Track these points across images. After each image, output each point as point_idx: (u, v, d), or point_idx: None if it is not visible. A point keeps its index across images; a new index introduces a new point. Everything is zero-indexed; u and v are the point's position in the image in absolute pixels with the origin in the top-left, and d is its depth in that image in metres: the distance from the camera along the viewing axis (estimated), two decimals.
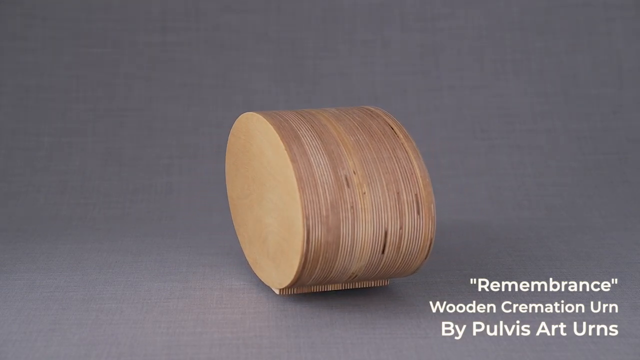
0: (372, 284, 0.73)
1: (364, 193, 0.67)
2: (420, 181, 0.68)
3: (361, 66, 1.12)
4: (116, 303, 0.72)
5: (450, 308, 0.70)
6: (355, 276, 0.69)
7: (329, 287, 0.72)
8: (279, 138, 0.68)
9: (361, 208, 0.66)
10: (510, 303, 0.71)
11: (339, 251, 0.66)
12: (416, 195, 0.68)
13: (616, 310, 0.70)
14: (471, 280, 0.77)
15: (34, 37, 1.10)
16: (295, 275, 0.67)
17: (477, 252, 0.84)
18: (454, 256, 0.83)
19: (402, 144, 0.69)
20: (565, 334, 0.66)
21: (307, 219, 0.65)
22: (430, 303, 0.71)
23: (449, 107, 1.11)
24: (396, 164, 0.68)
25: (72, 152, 1.06)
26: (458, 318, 0.68)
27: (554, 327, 0.67)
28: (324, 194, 0.66)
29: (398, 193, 0.67)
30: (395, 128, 0.70)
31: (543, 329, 0.67)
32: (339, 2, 1.14)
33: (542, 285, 0.75)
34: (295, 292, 0.71)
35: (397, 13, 1.14)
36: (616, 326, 0.67)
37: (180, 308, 0.71)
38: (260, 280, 0.76)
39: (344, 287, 0.72)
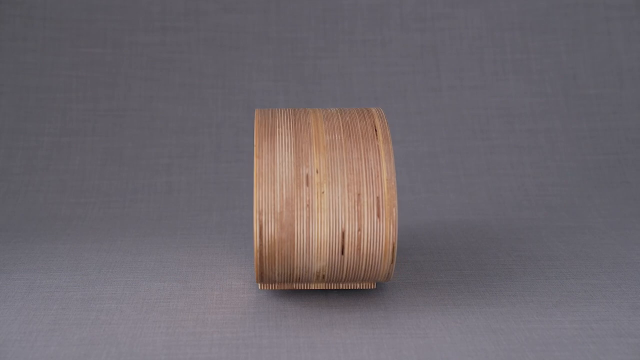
0: (358, 286, 0.73)
1: (323, 192, 0.67)
2: (385, 184, 0.67)
3: (361, 66, 1.12)
4: (116, 303, 0.72)
5: (450, 308, 0.70)
6: (323, 276, 0.69)
7: (311, 285, 0.72)
8: (255, 134, 0.69)
9: (317, 207, 0.66)
10: (510, 303, 0.71)
11: (295, 249, 0.67)
12: (378, 197, 0.67)
13: (616, 310, 0.70)
14: (471, 280, 0.77)
15: (34, 37, 1.10)
16: (255, 270, 0.68)
17: (477, 252, 0.84)
18: (454, 256, 0.83)
19: (378, 146, 0.69)
20: (565, 334, 0.66)
21: (260, 214, 0.66)
22: (430, 303, 0.71)
23: (449, 107, 1.11)
24: (364, 166, 0.68)
25: (72, 152, 1.06)
26: (458, 318, 0.68)
27: (554, 327, 0.67)
28: (280, 191, 0.67)
29: (359, 195, 0.67)
30: (378, 130, 0.70)
31: (543, 328, 0.67)
32: (339, 2, 1.14)
33: (542, 285, 0.75)
34: (275, 287, 0.72)
35: (397, 13, 1.14)
36: (616, 326, 0.67)
37: (180, 308, 0.71)
38: None
39: (328, 287, 0.72)
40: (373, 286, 0.72)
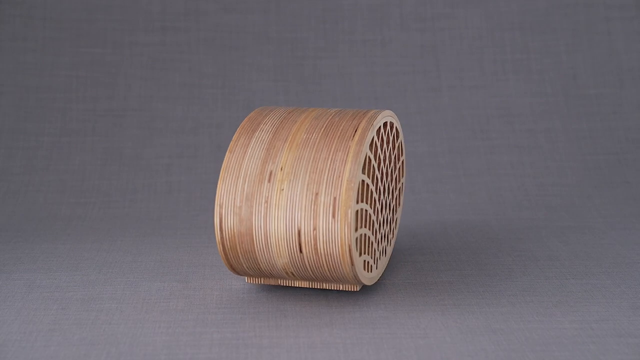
0: (340, 287, 0.72)
1: (282, 190, 0.67)
2: (344, 185, 0.66)
3: (361, 66, 1.12)
4: (116, 303, 0.72)
5: (450, 308, 0.70)
6: (292, 273, 0.69)
7: (289, 282, 0.72)
8: (238, 129, 0.71)
9: (275, 204, 0.67)
10: (510, 303, 0.71)
11: (255, 243, 0.67)
12: (335, 198, 0.66)
13: (616, 310, 0.70)
14: (471, 280, 0.77)
15: (34, 37, 1.10)
16: (223, 260, 0.70)
17: (477, 252, 0.85)
18: (454, 256, 0.83)
19: (349, 147, 0.68)
20: (565, 334, 0.66)
21: (221, 207, 0.67)
22: (430, 303, 0.71)
23: (449, 107, 1.11)
24: (328, 166, 0.67)
25: (72, 152, 1.06)
26: (458, 318, 0.68)
27: (554, 327, 0.67)
28: (242, 186, 0.67)
29: (317, 194, 0.66)
30: (359, 131, 0.69)
31: (543, 328, 0.67)
32: (339, 2, 1.14)
33: (542, 285, 0.75)
34: (259, 282, 0.73)
35: (397, 13, 1.14)
36: (616, 326, 0.67)
37: (180, 308, 0.71)
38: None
39: (310, 285, 0.72)
40: (356, 288, 0.72)
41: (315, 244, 0.66)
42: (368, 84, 1.11)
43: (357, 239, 0.68)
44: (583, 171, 1.06)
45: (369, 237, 0.71)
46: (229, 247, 0.68)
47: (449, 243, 0.87)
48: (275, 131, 0.70)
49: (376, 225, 0.73)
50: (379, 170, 0.73)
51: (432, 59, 1.13)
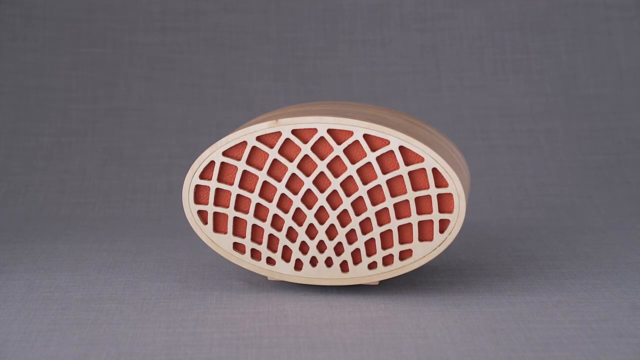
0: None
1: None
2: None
3: (361, 66, 1.12)
4: (116, 303, 0.72)
5: (450, 308, 0.70)
6: None
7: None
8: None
9: None
10: (510, 303, 0.71)
11: None
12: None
13: (616, 310, 0.70)
14: (471, 280, 0.77)
15: (34, 37, 1.10)
16: None
17: (477, 252, 0.84)
18: (454, 256, 0.83)
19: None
20: (565, 334, 0.66)
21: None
22: (430, 303, 0.71)
23: (449, 107, 1.11)
24: None
25: (72, 152, 1.06)
26: (458, 318, 0.68)
27: (554, 327, 0.67)
28: None
29: None
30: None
31: (543, 328, 0.67)
32: (339, 2, 1.14)
33: (542, 285, 0.75)
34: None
35: (397, 13, 1.14)
36: (616, 326, 0.67)
37: (180, 308, 0.71)
38: (260, 280, 0.76)
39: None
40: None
41: None
42: (368, 84, 1.11)
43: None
44: (583, 171, 1.06)
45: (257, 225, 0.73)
46: None
47: (449, 243, 0.87)
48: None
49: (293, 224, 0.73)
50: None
51: (432, 59, 1.13)
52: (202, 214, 0.73)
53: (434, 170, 0.70)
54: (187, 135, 1.08)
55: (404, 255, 0.72)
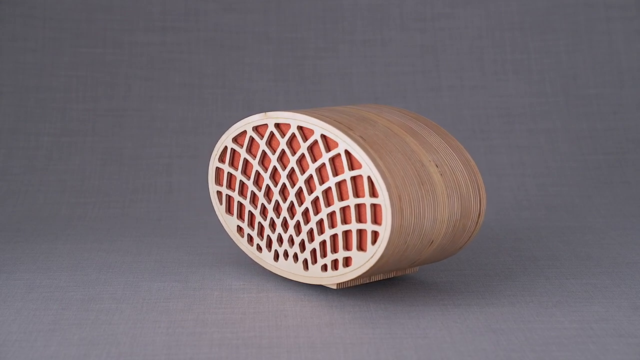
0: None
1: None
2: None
3: (361, 66, 1.12)
4: (116, 303, 0.72)
5: (450, 308, 0.70)
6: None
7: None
8: None
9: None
10: (510, 303, 0.71)
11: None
12: None
13: (616, 310, 0.70)
14: (471, 280, 0.77)
15: (34, 37, 1.10)
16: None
17: (477, 252, 0.85)
18: (454, 256, 0.83)
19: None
20: (565, 334, 0.66)
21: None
22: (430, 303, 0.71)
23: (449, 107, 1.11)
24: None
25: (72, 152, 1.06)
26: (458, 318, 0.68)
27: (554, 327, 0.67)
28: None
29: None
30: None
31: (543, 328, 0.67)
32: (339, 2, 1.14)
33: (542, 285, 0.75)
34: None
35: (397, 13, 1.14)
36: (616, 326, 0.67)
37: (180, 308, 0.71)
38: (260, 280, 0.76)
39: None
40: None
41: None
42: (368, 84, 1.11)
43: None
44: (583, 171, 1.06)
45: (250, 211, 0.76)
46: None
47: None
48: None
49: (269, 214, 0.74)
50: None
51: (432, 59, 1.13)
52: (219, 195, 0.78)
53: (369, 178, 0.68)
54: (187, 135, 1.08)
55: (348, 262, 0.70)
